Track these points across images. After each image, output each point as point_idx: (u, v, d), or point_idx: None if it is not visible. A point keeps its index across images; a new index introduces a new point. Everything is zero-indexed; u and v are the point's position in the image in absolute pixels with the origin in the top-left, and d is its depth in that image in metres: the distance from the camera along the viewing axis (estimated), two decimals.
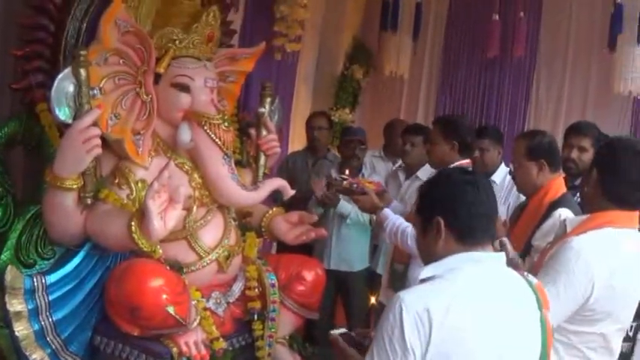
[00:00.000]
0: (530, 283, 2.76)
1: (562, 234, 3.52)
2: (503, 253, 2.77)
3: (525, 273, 2.86)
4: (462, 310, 2.43)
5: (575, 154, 5.35)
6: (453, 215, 2.61)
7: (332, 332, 3.12)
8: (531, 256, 4.07)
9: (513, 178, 4.81)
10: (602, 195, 3.40)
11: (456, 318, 2.41)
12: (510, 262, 3.08)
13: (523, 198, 5.09)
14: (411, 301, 2.43)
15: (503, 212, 5.43)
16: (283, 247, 5.52)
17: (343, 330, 3.18)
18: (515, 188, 5.54)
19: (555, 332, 3.24)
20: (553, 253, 3.38)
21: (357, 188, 5.23)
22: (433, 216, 2.63)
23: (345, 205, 6.35)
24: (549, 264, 3.34)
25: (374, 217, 5.62)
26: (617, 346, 3.49)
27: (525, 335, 2.64)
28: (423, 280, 2.60)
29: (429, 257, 2.68)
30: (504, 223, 4.51)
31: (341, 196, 6.16)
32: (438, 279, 2.55)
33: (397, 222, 4.74)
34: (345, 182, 5.54)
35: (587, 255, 3.27)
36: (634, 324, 3.79)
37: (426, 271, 2.61)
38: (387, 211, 4.91)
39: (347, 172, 6.02)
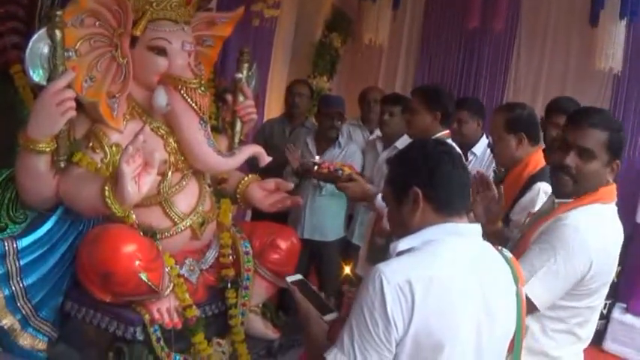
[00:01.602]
0: (505, 257, 2.74)
1: (551, 209, 3.47)
2: (479, 225, 2.72)
3: (500, 247, 2.82)
4: (444, 283, 2.40)
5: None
6: (431, 185, 2.56)
7: (287, 278, 3.09)
8: (510, 230, 4.04)
9: (492, 150, 4.76)
10: (606, 175, 3.35)
11: (438, 290, 2.37)
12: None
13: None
14: (392, 273, 2.38)
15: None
16: (258, 215, 5.47)
17: (299, 277, 3.15)
18: (495, 161, 5.52)
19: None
20: (546, 229, 3.32)
21: (343, 175, 5.06)
22: (409, 187, 2.57)
23: None
24: (544, 240, 3.27)
25: None
26: (596, 319, 3.48)
27: (502, 309, 2.62)
28: (400, 253, 2.56)
29: (403, 229, 2.63)
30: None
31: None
32: (417, 251, 2.51)
33: None
34: (317, 167, 5.38)
35: (584, 231, 3.23)
36: (607, 302, 3.80)
37: (404, 244, 2.56)
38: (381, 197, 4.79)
39: (317, 157, 5.92)
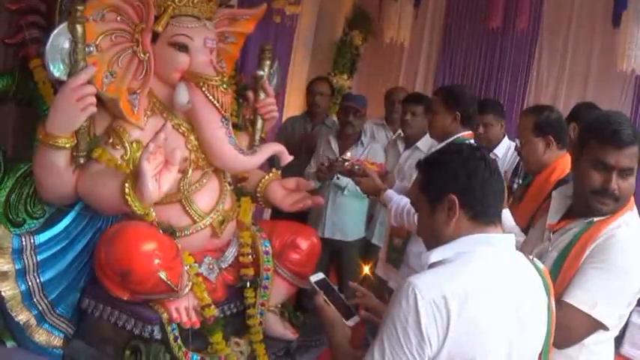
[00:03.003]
0: (537, 268, 2.69)
1: (588, 226, 3.38)
2: (512, 235, 2.66)
3: (532, 257, 2.77)
4: (478, 298, 2.34)
5: None
6: (468, 193, 2.50)
7: (311, 278, 3.05)
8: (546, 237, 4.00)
9: (519, 154, 4.70)
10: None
11: (473, 305, 2.31)
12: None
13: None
14: (426, 288, 2.32)
15: None
16: (278, 214, 5.44)
17: (321, 276, 3.11)
18: (516, 162, 5.49)
19: None
20: (598, 248, 3.21)
21: (359, 170, 5.07)
22: (445, 194, 2.51)
23: (342, 177, 6.25)
24: (600, 260, 3.17)
25: None
26: None
27: (534, 321, 2.56)
28: (432, 265, 2.51)
29: (436, 238, 2.57)
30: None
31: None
32: (450, 263, 2.46)
33: (402, 202, 4.61)
34: (347, 163, 5.39)
35: (636, 245, 3.20)
36: None
37: (436, 255, 2.51)
38: (390, 192, 4.76)
39: (348, 154, 5.89)
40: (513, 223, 4.18)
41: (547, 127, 4.36)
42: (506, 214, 4.22)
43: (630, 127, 3.25)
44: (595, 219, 3.27)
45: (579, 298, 3.07)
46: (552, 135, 4.33)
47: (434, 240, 2.58)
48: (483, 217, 2.53)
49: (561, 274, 3.17)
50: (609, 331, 3.24)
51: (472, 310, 2.30)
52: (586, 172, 3.22)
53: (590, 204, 3.25)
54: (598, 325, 3.09)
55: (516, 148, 4.84)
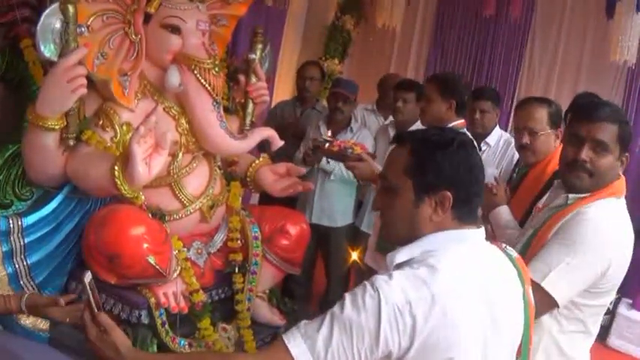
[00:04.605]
0: (510, 257, 2.61)
1: (564, 204, 3.38)
2: (482, 228, 2.53)
3: (504, 245, 2.68)
4: (446, 300, 2.23)
5: None
6: (463, 192, 2.38)
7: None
8: None
9: (521, 147, 4.61)
10: (617, 168, 3.34)
11: (441, 309, 2.21)
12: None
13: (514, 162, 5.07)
14: (391, 292, 2.21)
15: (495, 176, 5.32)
16: (266, 198, 5.42)
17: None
18: (508, 151, 5.47)
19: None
20: (565, 224, 3.25)
21: (352, 154, 4.96)
22: (440, 188, 2.36)
23: (331, 161, 6.22)
24: (564, 236, 3.22)
25: None
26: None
27: (509, 314, 2.49)
28: (399, 265, 2.40)
29: (410, 233, 2.43)
30: (505, 190, 4.41)
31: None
32: (417, 264, 2.33)
33: None
34: (328, 145, 5.26)
35: (605, 227, 3.21)
36: (613, 298, 3.79)
37: (402, 254, 2.41)
38: None
39: (329, 132, 5.81)
40: (510, 217, 4.17)
41: (559, 119, 4.38)
42: (504, 208, 4.20)
43: (611, 108, 3.32)
44: (570, 196, 3.28)
45: (534, 268, 3.09)
46: (560, 128, 4.35)
47: (407, 234, 2.44)
48: (467, 218, 2.43)
49: (530, 250, 3.23)
50: (582, 322, 3.25)
51: (440, 313, 2.21)
52: (563, 149, 3.30)
53: (565, 178, 3.34)
54: (549, 299, 3.08)
55: (523, 144, 4.71)
